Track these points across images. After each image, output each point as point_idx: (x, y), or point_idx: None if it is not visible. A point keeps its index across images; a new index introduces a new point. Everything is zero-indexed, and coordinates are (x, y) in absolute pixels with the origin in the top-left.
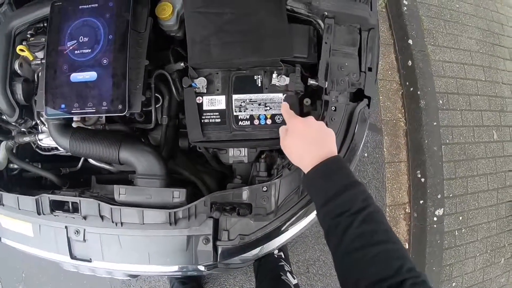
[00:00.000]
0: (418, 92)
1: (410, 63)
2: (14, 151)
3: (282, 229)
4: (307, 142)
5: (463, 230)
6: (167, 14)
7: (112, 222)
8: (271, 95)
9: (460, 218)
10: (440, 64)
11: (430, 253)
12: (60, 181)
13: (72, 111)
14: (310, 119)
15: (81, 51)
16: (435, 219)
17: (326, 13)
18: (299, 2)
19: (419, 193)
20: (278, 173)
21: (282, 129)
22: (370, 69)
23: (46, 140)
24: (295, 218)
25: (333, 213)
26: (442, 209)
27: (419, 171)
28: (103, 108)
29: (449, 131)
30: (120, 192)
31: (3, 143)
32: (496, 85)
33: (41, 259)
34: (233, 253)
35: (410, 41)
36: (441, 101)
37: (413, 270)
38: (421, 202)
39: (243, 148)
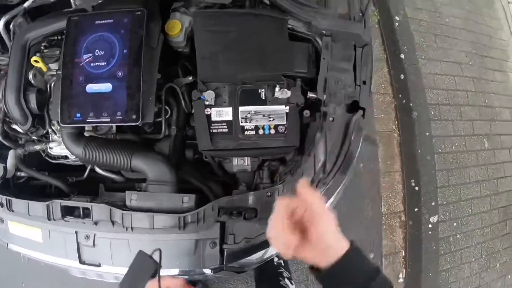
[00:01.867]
0: (411, 104)
1: (402, 76)
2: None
3: None
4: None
5: (458, 236)
6: (176, 31)
7: (123, 227)
8: (274, 107)
9: (455, 224)
10: (432, 77)
11: (426, 259)
12: (69, 189)
13: (88, 120)
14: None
15: (96, 63)
16: (430, 226)
17: (324, 32)
18: (299, 22)
19: (414, 202)
20: (280, 179)
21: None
22: (364, 83)
23: (56, 148)
24: None
25: None
26: (437, 216)
27: (413, 180)
28: (117, 117)
29: (441, 141)
30: (132, 198)
31: (12, 151)
32: (486, 95)
33: (42, 269)
34: (238, 256)
35: (402, 56)
36: (433, 112)
37: None
38: (415, 210)
39: (247, 158)
